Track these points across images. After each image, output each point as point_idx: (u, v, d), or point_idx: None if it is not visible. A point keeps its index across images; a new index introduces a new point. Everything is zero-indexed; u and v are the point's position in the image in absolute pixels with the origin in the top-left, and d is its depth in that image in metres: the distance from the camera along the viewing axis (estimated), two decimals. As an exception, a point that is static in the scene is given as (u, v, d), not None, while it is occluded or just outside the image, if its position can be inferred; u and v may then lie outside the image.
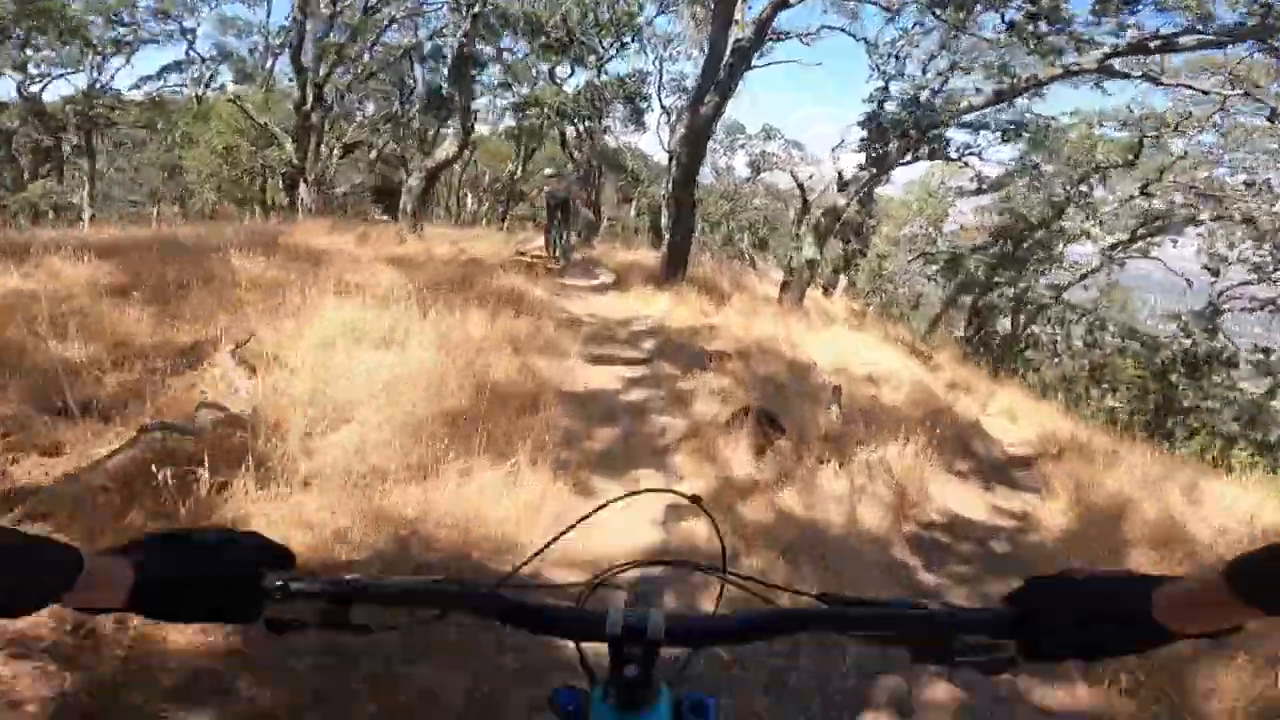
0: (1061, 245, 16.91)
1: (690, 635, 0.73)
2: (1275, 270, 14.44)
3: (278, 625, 0.71)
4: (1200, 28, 8.38)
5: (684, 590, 2.84)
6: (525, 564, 0.85)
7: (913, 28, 12.46)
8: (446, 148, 12.65)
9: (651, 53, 18.94)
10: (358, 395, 3.83)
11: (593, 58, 17.48)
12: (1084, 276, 17.59)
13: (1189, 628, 0.62)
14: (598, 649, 0.72)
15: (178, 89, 20.18)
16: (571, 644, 0.78)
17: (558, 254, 10.78)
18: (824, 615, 0.72)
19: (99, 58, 18.60)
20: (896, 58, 12.76)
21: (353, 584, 0.72)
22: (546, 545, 0.87)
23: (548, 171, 12.60)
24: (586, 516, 0.86)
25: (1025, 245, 16.43)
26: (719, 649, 2.34)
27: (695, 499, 0.92)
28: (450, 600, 0.74)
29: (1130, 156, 14.35)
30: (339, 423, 3.60)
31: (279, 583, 0.70)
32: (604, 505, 0.89)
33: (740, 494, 3.96)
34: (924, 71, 12.90)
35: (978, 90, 10.90)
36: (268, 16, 24.75)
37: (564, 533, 0.87)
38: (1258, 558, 0.58)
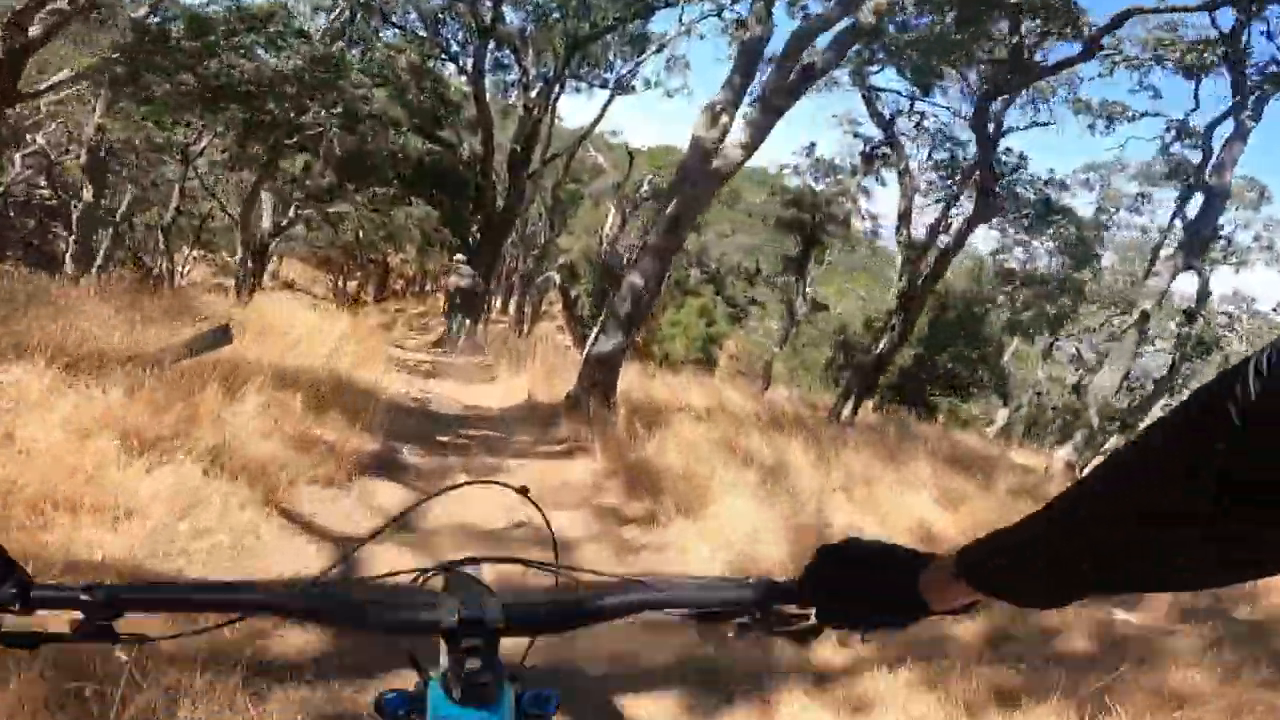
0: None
1: (530, 622, 0.70)
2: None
3: (18, 640, 0.58)
4: None
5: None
6: (340, 562, 0.98)
7: None
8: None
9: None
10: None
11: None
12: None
13: (941, 605, 0.66)
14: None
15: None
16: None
17: (454, 334, 10.56)
18: (656, 597, 0.73)
19: None
20: None
21: (118, 590, 0.61)
22: (364, 541, 0.93)
23: (460, 257, 11.91)
24: (409, 510, 1.19)
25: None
26: None
27: (523, 490, 0.90)
28: (252, 604, 0.69)
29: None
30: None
31: (13, 591, 0.58)
32: (430, 497, 1.03)
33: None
34: None
35: None
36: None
37: (383, 528, 0.96)
38: (974, 548, 0.62)
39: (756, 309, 22.88)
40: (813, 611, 0.70)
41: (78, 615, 0.58)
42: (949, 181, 12.80)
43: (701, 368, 15.70)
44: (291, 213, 16.95)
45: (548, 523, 0.91)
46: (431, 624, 0.63)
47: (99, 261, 12.65)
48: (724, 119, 7.00)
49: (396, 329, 16.46)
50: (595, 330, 8.70)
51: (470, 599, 0.65)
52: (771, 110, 6.94)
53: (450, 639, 0.63)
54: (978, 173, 10.58)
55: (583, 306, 18.90)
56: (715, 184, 7.47)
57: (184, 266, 18.30)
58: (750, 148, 6.97)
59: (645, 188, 19.51)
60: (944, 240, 11.21)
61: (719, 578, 0.74)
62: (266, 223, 14.97)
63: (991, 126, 10.31)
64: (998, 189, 10.38)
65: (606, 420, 5.91)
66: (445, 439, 5.65)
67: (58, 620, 0.58)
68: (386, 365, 7.56)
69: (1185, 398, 0.48)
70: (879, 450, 6.43)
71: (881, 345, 10.60)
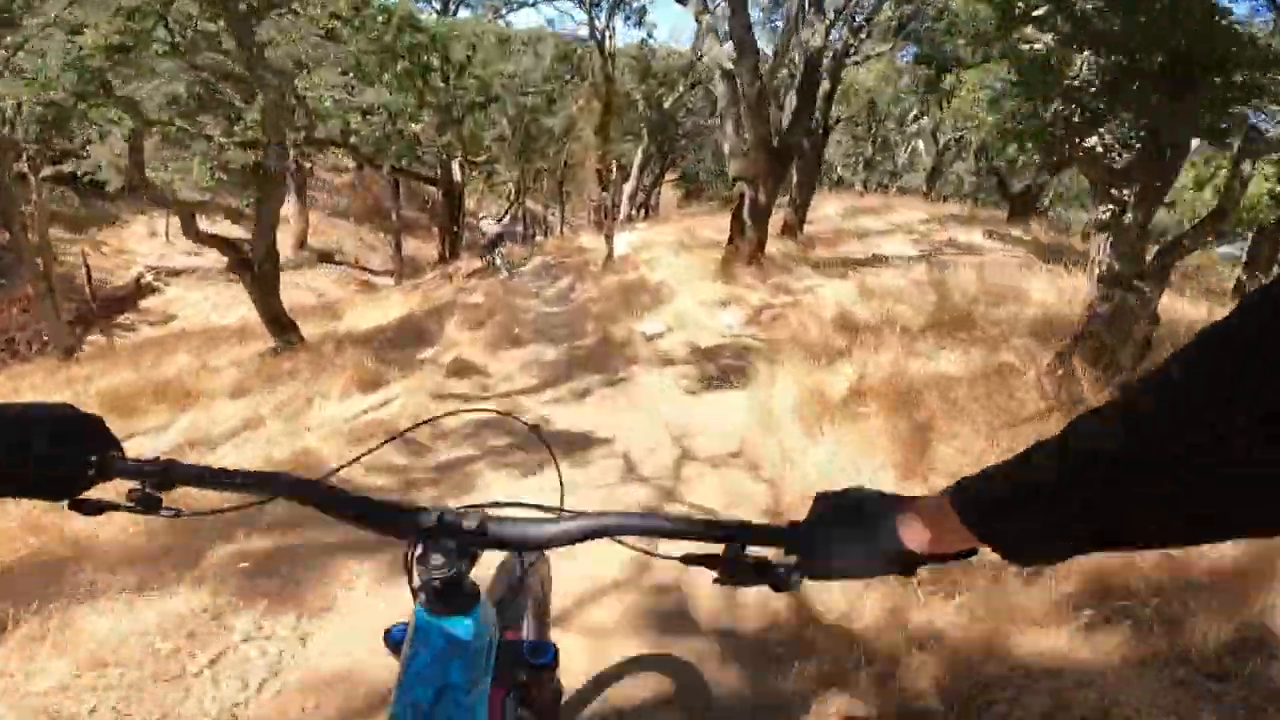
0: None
1: (506, 538, 0.73)
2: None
3: (86, 506, 0.71)
4: None
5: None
6: (353, 461, 0.92)
7: None
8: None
9: None
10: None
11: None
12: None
13: (932, 548, 0.62)
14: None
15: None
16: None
17: (499, 268, 12.16)
18: (632, 524, 0.74)
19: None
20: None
21: (174, 466, 0.72)
22: (376, 448, 0.96)
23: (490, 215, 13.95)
24: (423, 423, 1.09)
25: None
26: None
27: (535, 428, 1.03)
28: (272, 486, 0.75)
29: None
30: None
31: (97, 460, 0.71)
32: (445, 415, 1.25)
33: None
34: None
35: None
36: None
37: (396, 436, 1.05)
38: (972, 482, 0.58)
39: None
40: (794, 559, 0.69)
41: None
42: None
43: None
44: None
45: (556, 463, 0.96)
46: (413, 523, 0.71)
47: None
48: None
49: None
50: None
51: (455, 509, 0.73)
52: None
53: (424, 540, 0.70)
54: None
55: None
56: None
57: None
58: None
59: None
60: None
61: (702, 519, 0.73)
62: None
63: None
64: None
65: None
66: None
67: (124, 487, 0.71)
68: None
69: (1202, 336, 0.45)
70: None
71: None
